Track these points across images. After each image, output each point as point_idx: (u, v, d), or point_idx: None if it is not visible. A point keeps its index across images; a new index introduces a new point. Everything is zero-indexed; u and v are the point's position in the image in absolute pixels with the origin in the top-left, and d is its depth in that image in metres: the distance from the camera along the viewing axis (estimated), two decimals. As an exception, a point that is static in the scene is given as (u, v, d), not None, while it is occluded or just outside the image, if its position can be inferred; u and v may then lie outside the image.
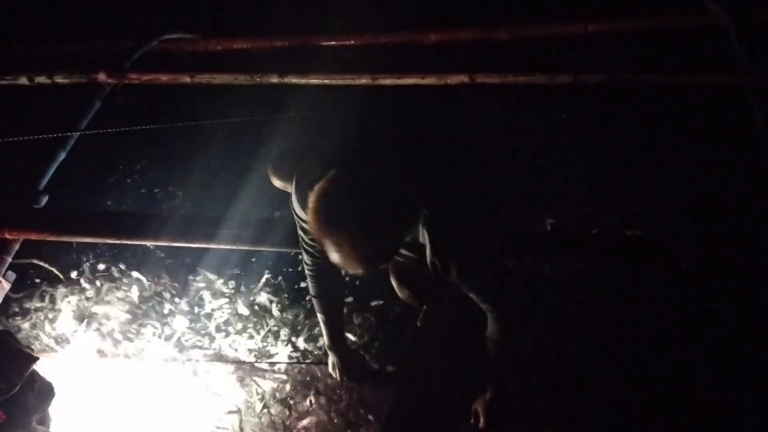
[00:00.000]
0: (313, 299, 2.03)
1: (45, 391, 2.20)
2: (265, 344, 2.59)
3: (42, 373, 2.20)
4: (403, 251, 1.73)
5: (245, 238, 2.24)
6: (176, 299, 2.78)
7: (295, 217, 1.74)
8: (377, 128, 1.82)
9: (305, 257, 1.89)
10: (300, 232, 1.80)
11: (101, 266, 2.92)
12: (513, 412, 2.20)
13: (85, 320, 2.73)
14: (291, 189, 1.70)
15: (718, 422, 2.14)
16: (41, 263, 2.75)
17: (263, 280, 2.80)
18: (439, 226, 1.54)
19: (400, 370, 2.37)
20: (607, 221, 2.81)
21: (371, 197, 1.34)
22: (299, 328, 2.63)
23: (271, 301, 2.73)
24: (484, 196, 1.74)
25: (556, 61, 3.13)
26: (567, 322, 2.49)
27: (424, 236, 1.56)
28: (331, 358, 2.29)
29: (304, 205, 1.55)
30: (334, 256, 1.37)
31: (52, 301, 2.81)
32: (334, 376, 2.31)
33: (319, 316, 2.10)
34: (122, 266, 2.90)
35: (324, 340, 2.22)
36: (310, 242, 1.78)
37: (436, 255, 1.56)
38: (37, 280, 2.87)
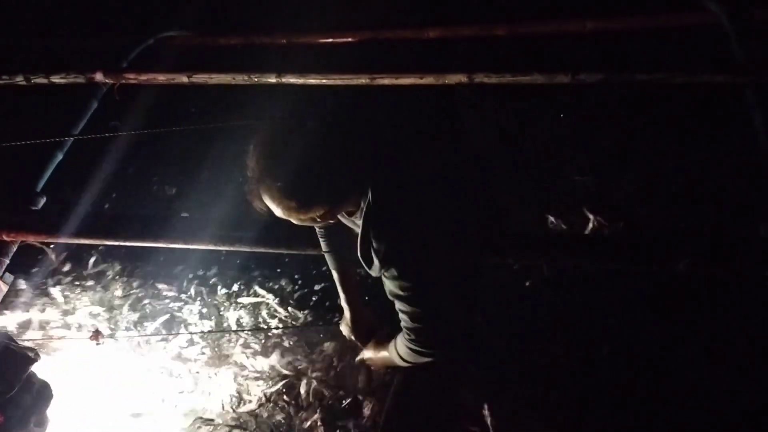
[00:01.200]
0: (325, 255, 2.06)
1: (43, 392, 2.20)
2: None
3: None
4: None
5: (246, 240, 2.23)
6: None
7: None
8: (361, 108, 1.84)
9: None
10: None
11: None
12: (513, 411, 2.22)
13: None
14: None
15: (717, 422, 2.16)
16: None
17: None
18: (377, 214, 1.50)
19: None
20: (604, 221, 2.81)
21: (307, 154, 1.37)
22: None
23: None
24: (458, 195, 1.68)
25: (554, 60, 3.12)
26: (563, 323, 2.50)
27: (359, 221, 1.54)
28: (345, 315, 2.28)
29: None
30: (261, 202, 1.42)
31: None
32: (344, 333, 2.31)
33: (333, 272, 2.13)
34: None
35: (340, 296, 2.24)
36: None
37: (363, 243, 1.53)
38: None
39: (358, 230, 1.57)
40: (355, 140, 1.47)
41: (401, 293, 1.56)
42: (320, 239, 2.03)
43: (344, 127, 1.48)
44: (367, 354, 2.24)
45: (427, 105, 2.20)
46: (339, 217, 1.65)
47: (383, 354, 2.08)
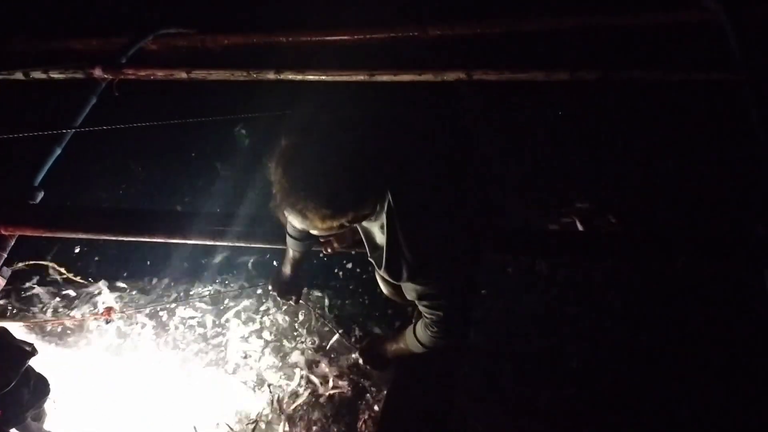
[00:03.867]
0: (289, 237, 2.02)
1: (40, 387, 2.20)
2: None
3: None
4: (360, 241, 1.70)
5: (253, 235, 2.24)
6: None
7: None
8: (371, 108, 1.82)
9: None
10: None
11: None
12: (513, 408, 2.22)
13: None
14: None
15: (717, 421, 2.16)
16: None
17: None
18: (401, 218, 1.50)
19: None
20: (602, 219, 2.81)
21: (324, 162, 1.35)
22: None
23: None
24: (471, 196, 1.72)
25: (553, 57, 3.12)
26: (563, 319, 2.50)
27: (383, 227, 1.53)
28: (280, 278, 2.26)
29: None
30: (287, 215, 1.41)
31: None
32: (271, 289, 2.33)
33: (290, 251, 2.10)
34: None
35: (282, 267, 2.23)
36: None
37: (389, 252, 1.54)
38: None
39: (382, 235, 1.57)
40: (370, 142, 1.45)
41: (429, 294, 1.64)
42: (290, 227, 2.00)
43: (358, 129, 1.46)
44: (385, 347, 2.26)
45: (429, 104, 2.20)
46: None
47: (397, 345, 2.14)
